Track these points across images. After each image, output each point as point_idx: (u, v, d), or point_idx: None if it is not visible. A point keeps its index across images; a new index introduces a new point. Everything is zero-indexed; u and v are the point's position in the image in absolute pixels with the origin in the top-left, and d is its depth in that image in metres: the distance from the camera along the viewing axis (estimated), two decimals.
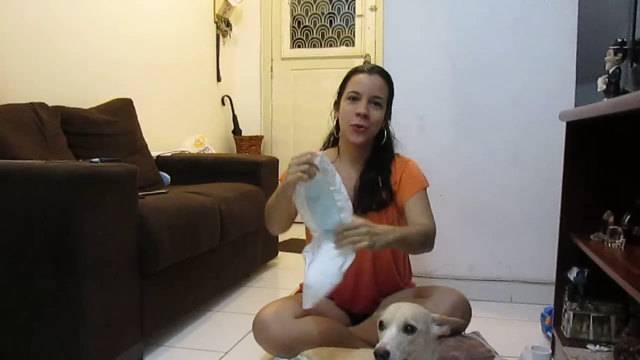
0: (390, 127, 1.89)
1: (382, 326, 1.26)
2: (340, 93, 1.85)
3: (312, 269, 1.47)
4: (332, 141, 1.95)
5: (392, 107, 1.87)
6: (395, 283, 1.90)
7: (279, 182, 1.73)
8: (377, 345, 1.20)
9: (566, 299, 1.83)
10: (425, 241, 1.69)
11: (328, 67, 4.60)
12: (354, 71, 1.83)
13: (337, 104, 1.86)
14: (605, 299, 1.76)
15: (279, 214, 1.70)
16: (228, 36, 4.52)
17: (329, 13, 4.70)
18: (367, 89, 1.75)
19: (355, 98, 1.76)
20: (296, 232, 4.21)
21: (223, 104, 4.59)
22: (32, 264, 1.50)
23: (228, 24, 4.46)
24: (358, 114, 1.74)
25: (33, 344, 1.53)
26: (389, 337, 1.20)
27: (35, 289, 1.51)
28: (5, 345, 1.55)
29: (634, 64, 1.57)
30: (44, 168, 1.53)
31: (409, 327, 1.19)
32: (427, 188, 1.82)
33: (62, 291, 1.50)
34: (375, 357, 1.17)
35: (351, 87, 1.78)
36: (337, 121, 1.87)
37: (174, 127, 3.74)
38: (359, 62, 4.46)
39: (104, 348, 1.62)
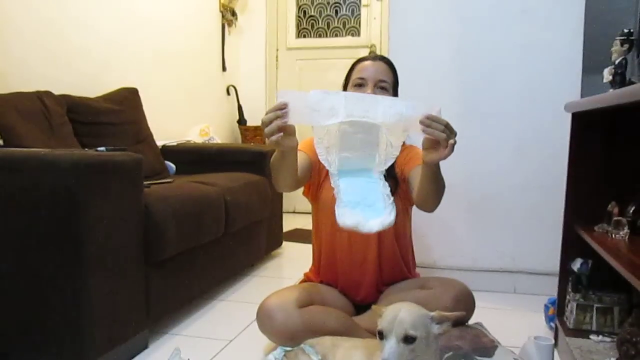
0: None
1: (381, 335, 1.22)
2: (346, 84, 1.86)
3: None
4: None
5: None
6: (400, 272, 1.91)
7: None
8: None
9: (570, 289, 1.84)
10: (443, 190, 1.58)
11: (333, 57, 4.59)
12: (358, 60, 1.86)
13: None
14: (608, 290, 1.76)
15: (283, 170, 1.59)
16: (233, 25, 4.51)
17: (334, 3, 4.68)
18: (372, 74, 1.77)
19: (361, 84, 1.77)
20: (300, 222, 4.24)
21: (228, 93, 4.59)
22: (38, 252, 1.52)
23: (233, 13, 4.45)
24: None
25: (39, 332, 1.55)
26: (388, 350, 1.17)
27: (41, 277, 1.53)
28: (12, 332, 1.57)
29: None
30: (50, 156, 1.54)
31: (409, 338, 1.17)
32: None
33: (68, 279, 1.52)
34: None
35: (357, 74, 1.80)
36: None
37: (179, 117, 3.74)
38: (364, 53, 4.44)
39: (109, 335, 1.64)
